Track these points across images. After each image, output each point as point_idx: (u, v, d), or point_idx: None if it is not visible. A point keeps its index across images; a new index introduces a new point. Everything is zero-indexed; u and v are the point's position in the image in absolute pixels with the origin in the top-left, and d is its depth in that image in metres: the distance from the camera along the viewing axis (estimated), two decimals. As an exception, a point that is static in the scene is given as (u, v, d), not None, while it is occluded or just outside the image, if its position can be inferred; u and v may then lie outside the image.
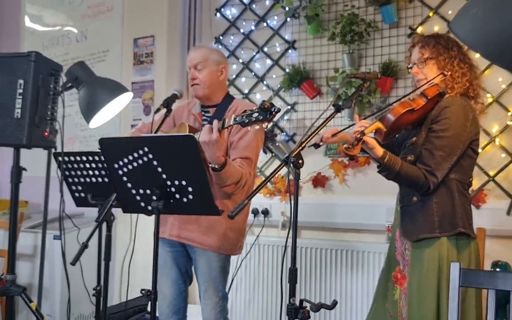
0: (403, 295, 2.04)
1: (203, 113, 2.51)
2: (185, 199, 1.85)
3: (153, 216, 1.88)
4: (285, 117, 3.59)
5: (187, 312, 2.54)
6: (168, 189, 1.85)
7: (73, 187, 2.57)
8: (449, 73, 2.06)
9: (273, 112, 1.85)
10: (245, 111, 1.93)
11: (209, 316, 2.40)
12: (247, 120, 1.90)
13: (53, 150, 2.56)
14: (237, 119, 1.95)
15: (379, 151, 1.91)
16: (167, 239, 2.43)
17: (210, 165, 2.17)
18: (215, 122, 2.08)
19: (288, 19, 3.60)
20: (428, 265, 1.97)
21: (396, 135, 2.18)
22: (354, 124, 2.02)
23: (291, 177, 1.75)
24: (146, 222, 2.28)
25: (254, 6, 3.76)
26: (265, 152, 3.60)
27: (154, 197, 1.84)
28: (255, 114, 1.88)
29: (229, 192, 2.33)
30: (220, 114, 2.42)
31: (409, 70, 2.19)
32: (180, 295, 2.48)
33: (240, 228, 2.47)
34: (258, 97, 3.70)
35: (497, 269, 2.61)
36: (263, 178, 3.35)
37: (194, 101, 2.62)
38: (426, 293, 1.96)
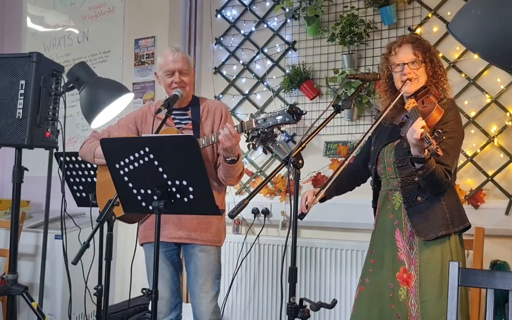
0: (411, 294, 2.04)
1: (173, 116, 2.51)
2: (185, 199, 1.86)
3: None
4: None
5: (182, 308, 2.59)
6: (169, 189, 1.86)
7: (75, 187, 2.59)
8: (440, 76, 2.13)
9: (300, 114, 1.90)
10: (268, 113, 2.00)
11: (207, 308, 2.43)
12: (271, 123, 1.94)
13: (54, 150, 2.57)
14: (258, 121, 1.99)
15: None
16: (165, 242, 2.45)
17: (228, 159, 2.27)
18: (229, 126, 2.15)
19: (288, 20, 3.61)
20: (443, 261, 2.00)
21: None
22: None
23: (291, 177, 1.77)
24: (147, 222, 2.30)
25: (254, 7, 3.77)
26: (265, 152, 3.61)
27: (155, 197, 1.85)
28: (280, 117, 1.91)
29: (233, 184, 2.56)
30: (196, 114, 2.51)
31: (394, 68, 2.15)
32: (176, 292, 2.53)
33: (223, 220, 2.59)
34: (259, 97, 3.72)
35: (496, 269, 2.62)
36: (263, 178, 3.37)
37: (154, 104, 2.62)
38: (444, 287, 1.95)
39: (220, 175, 2.43)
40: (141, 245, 2.56)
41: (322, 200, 2.36)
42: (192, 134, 2.45)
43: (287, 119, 1.91)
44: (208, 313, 2.43)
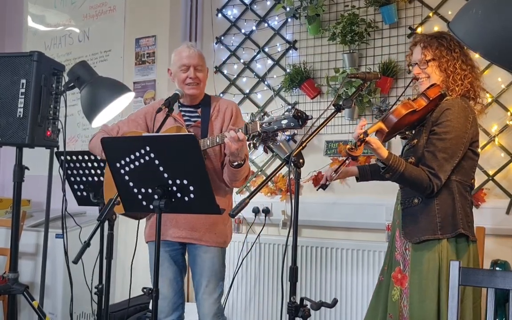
0: (404, 295, 2.04)
1: (183, 113, 2.52)
2: (186, 198, 1.86)
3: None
4: (286, 117, 3.60)
5: (184, 309, 2.58)
6: (170, 188, 1.86)
7: (75, 186, 2.59)
8: (452, 75, 2.05)
9: (305, 119, 1.88)
10: (273, 117, 1.98)
11: (209, 310, 2.43)
12: (276, 127, 1.93)
13: (55, 149, 2.57)
14: (263, 125, 1.98)
15: (384, 152, 1.91)
16: (169, 240, 2.45)
17: (235, 163, 2.26)
18: (238, 131, 2.13)
19: (289, 19, 3.61)
20: (429, 266, 1.98)
21: (396, 135, 2.19)
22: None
23: (292, 176, 1.76)
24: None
25: (255, 6, 3.77)
26: (266, 151, 3.58)
27: (156, 196, 1.85)
28: (285, 121, 1.90)
29: (238, 187, 2.57)
30: (206, 113, 2.49)
31: (410, 68, 2.20)
32: (179, 292, 2.52)
33: (229, 222, 2.58)
34: (259, 97, 3.72)
35: (497, 268, 2.62)
36: (264, 177, 3.37)
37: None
38: (426, 293, 1.97)
39: (224, 177, 2.41)
40: (147, 242, 2.57)
41: (361, 179, 2.42)
42: (198, 133, 2.44)
43: (292, 124, 1.89)
44: (209, 315, 2.43)
